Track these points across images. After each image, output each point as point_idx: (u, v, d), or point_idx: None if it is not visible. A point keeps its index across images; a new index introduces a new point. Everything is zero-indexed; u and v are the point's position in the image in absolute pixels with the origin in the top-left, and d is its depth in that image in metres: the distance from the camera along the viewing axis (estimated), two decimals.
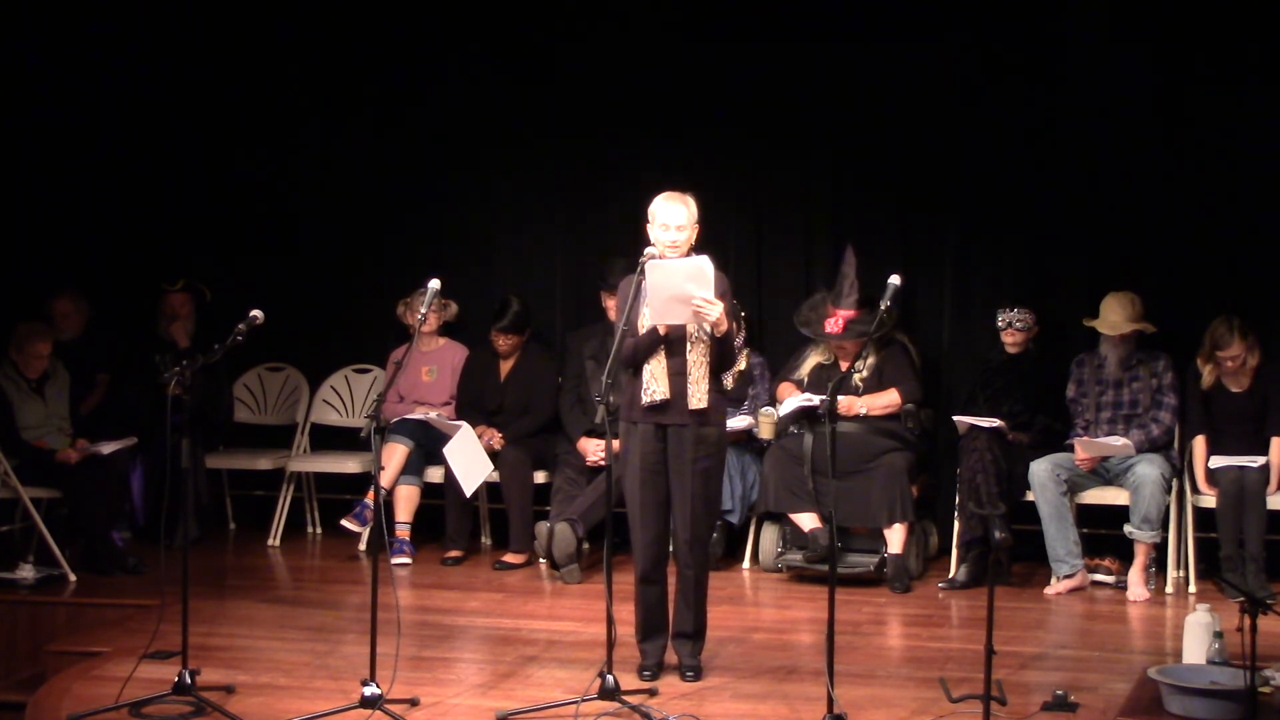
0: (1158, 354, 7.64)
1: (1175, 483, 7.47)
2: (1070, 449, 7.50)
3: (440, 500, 8.21)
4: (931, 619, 6.99)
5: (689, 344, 5.67)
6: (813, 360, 7.92)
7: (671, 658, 5.89)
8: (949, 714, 5.36)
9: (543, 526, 7.69)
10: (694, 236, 5.72)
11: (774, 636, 6.63)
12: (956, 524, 7.61)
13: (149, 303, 8.77)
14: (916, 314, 8.25)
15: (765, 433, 7.81)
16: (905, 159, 8.24)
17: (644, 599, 5.82)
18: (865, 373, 7.80)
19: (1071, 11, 7.93)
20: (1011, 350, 7.83)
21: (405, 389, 8.47)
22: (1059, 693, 5.48)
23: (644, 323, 5.67)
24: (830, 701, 5.21)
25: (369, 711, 5.33)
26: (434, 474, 8.21)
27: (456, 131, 8.81)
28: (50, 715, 5.50)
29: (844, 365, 7.79)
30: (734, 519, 7.87)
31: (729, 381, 7.46)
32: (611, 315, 7.40)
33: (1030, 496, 7.44)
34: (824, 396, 6.87)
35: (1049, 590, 7.37)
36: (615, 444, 5.73)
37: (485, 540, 8.62)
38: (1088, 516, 7.66)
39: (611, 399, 5.57)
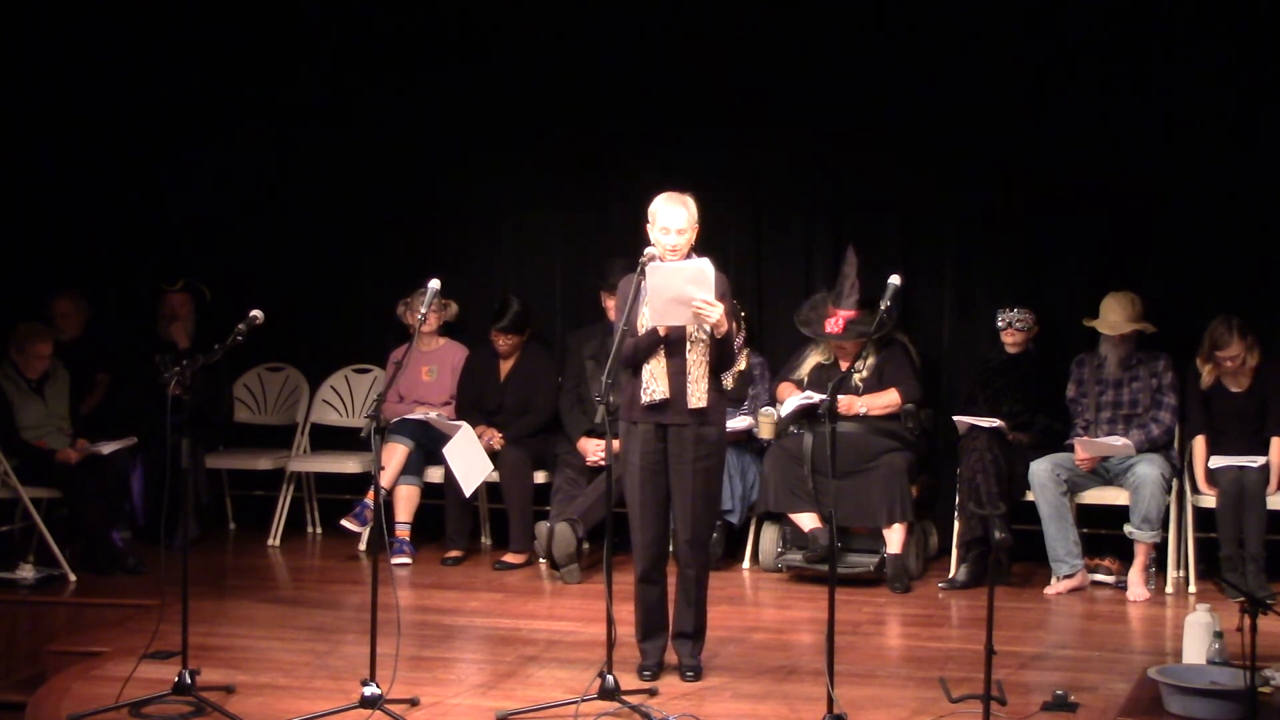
0: (1158, 354, 7.64)
1: (1175, 483, 7.47)
2: (1070, 449, 7.50)
3: (440, 500, 8.21)
4: (931, 619, 6.99)
5: (689, 344, 5.67)
6: (813, 360, 7.92)
7: (671, 658, 5.89)
8: (949, 714, 5.36)
9: (543, 526, 7.69)
10: (694, 238, 5.72)
11: (774, 636, 6.63)
12: (956, 524, 7.62)
13: (149, 303, 8.78)
14: (916, 314, 8.25)
15: (765, 433, 7.81)
16: (905, 159, 8.24)
17: (644, 599, 5.82)
18: (865, 373, 7.80)
19: (1071, 12, 7.93)
20: (1011, 350, 7.83)
21: (405, 389, 8.48)
22: (1059, 693, 5.48)
23: (644, 323, 5.68)
24: (830, 701, 5.21)
25: (369, 711, 5.33)
26: (434, 474, 8.21)
27: (456, 131, 8.81)
28: (50, 715, 5.49)
29: (844, 365, 7.79)
30: (734, 519, 7.87)
31: (729, 381, 7.47)
32: (611, 315, 7.40)
33: (1030, 496, 7.44)
34: (824, 396, 6.87)
35: (1049, 590, 7.37)
36: (615, 444, 5.73)
37: (485, 540, 8.62)
38: (1088, 516, 7.66)
39: (611, 399, 5.57)
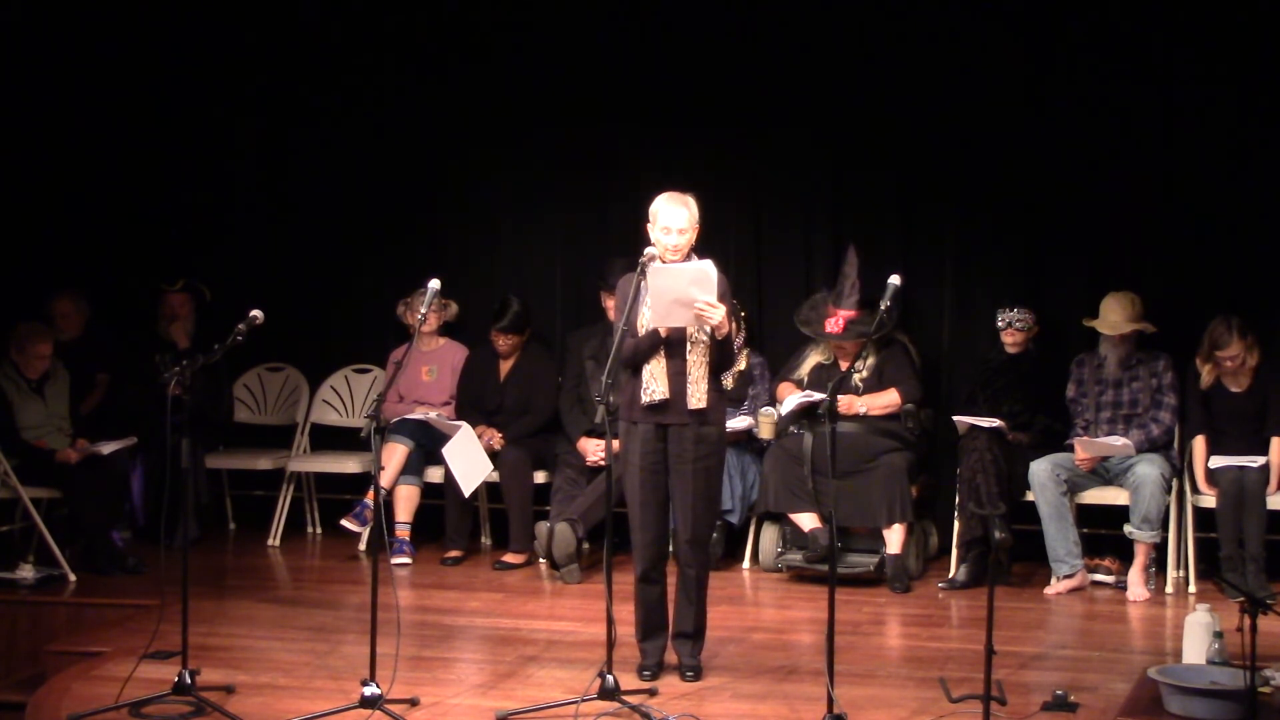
0: (1158, 354, 7.64)
1: (1175, 483, 7.47)
2: (1070, 449, 7.50)
3: (440, 500, 8.21)
4: (931, 619, 6.99)
5: (689, 345, 5.67)
6: (813, 360, 7.92)
7: (671, 658, 5.89)
8: (949, 714, 5.36)
9: (543, 526, 7.69)
10: (694, 238, 5.72)
11: (774, 636, 6.63)
12: (956, 524, 7.62)
13: (149, 303, 8.78)
14: (916, 314, 8.25)
15: (765, 433, 7.81)
16: (905, 159, 8.24)
17: (644, 599, 5.82)
18: (865, 373, 7.80)
19: (1072, 12, 7.93)
20: (1011, 350, 7.83)
21: (405, 389, 8.48)
22: (1059, 693, 5.48)
23: (644, 323, 5.68)
24: (830, 701, 5.21)
25: (369, 711, 5.33)
26: (434, 474, 8.21)
27: (456, 131, 8.81)
28: (50, 715, 5.49)
29: (844, 365, 7.79)
30: (734, 519, 7.87)
31: (729, 381, 7.47)
32: (611, 315, 7.41)
33: (1030, 496, 7.44)
34: (824, 395, 6.86)
35: (1049, 590, 7.37)
36: (615, 444, 5.73)
37: (485, 540, 8.62)
38: (1088, 516, 7.66)
39: (611, 399, 5.57)
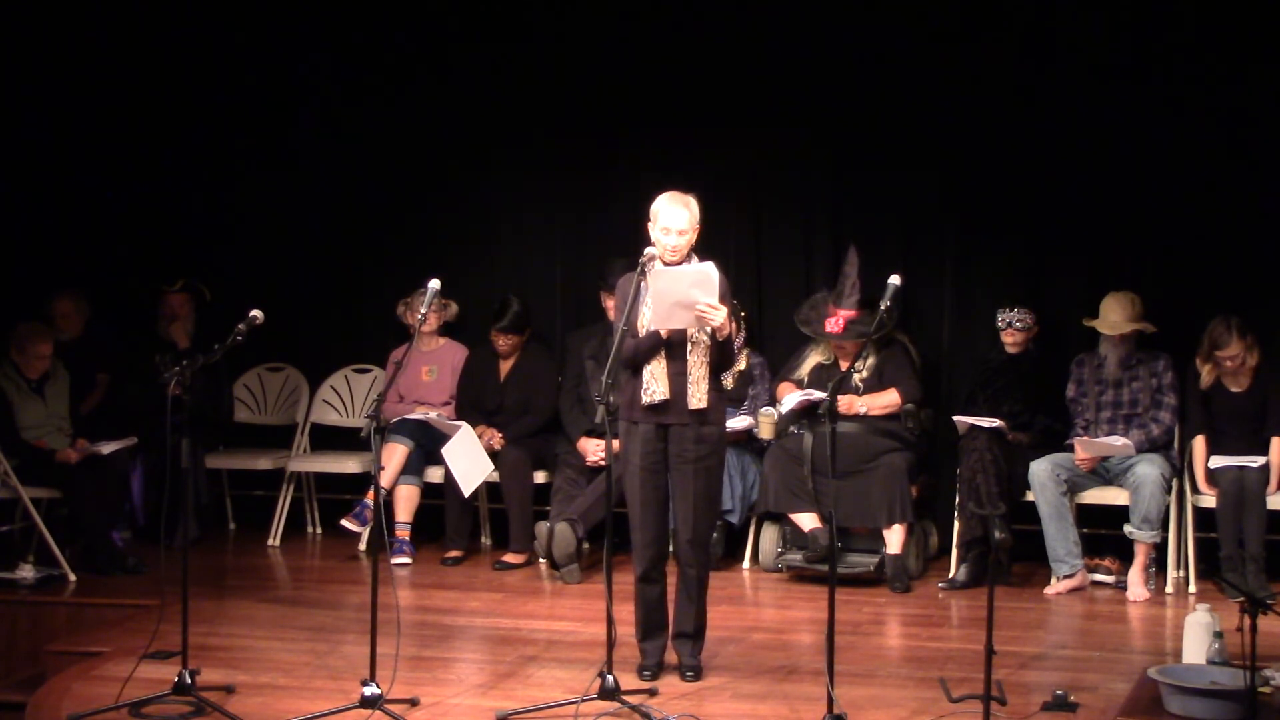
0: (1158, 354, 7.64)
1: (1175, 483, 7.47)
2: (1070, 449, 7.50)
3: (440, 500, 8.21)
4: (931, 619, 6.99)
5: (689, 346, 5.67)
6: (813, 360, 7.92)
7: (671, 658, 5.89)
8: (949, 714, 5.36)
9: (543, 526, 7.69)
10: (694, 239, 5.72)
11: (774, 636, 6.63)
12: (956, 524, 7.62)
13: (149, 303, 8.78)
14: (916, 314, 8.25)
15: (765, 433, 7.80)
16: (905, 159, 8.24)
17: (644, 598, 5.82)
18: (865, 373, 7.81)
19: (1072, 11, 7.93)
20: (1011, 350, 7.83)
21: (405, 389, 8.48)
22: (1059, 693, 5.48)
23: (645, 324, 5.68)
24: (830, 701, 5.21)
25: (369, 711, 5.33)
26: (434, 474, 8.21)
27: (456, 132, 8.81)
28: (50, 715, 5.49)
29: (844, 365, 7.79)
30: (734, 519, 7.87)
31: (729, 381, 7.48)
32: (611, 315, 7.41)
33: (1030, 496, 7.44)
34: (824, 395, 6.86)
35: (1049, 590, 7.37)
36: (615, 444, 5.73)
37: (485, 540, 8.62)
38: (1088, 516, 7.66)
39: (611, 399, 5.57)
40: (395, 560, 7.94)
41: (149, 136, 9.06)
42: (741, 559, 7.99)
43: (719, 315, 5.54)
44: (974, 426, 7.49)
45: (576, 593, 7.44)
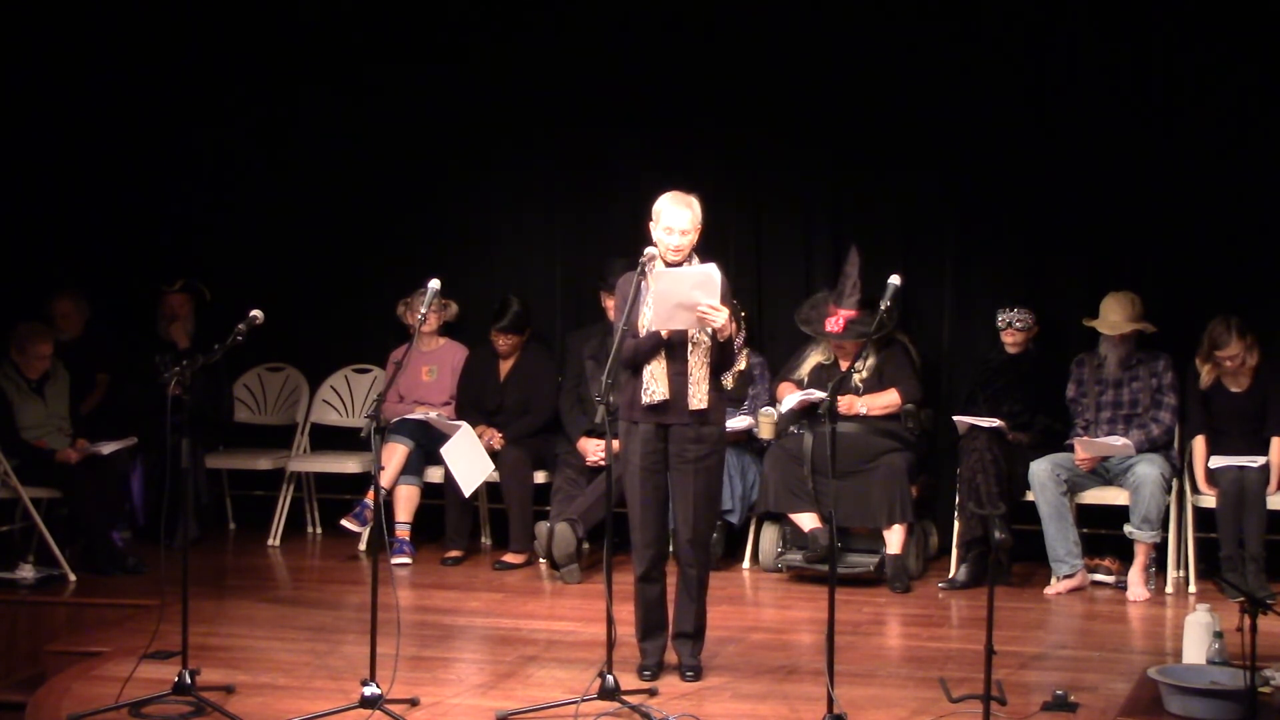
0: (1158, 354, 7.64)
1: (1175, 483, 7.47)
2: (1070, 449, 7.50)
3: (440, 500, 8.21)
4: (931, 619, 6.99)
5: (690, 346, 5.67)
6: (813, 360, 7.92)
7: (671, 658, 5.89)
8: (949, 714, 5.36)
9: (543, 526, 7.69)
10: (696, 239, 5.72)
11: (774, 636, 6.62)
12: (956, 524, 7.62)
13: (149, 303, 8.78)
14: (916, 314, 8.25)
15: (765, 433, 7.81)
16: (905, 159, 8.24)
17: (644, 598, 5.82)
18: (865, 373, 7.81)
19: (1072, 12, 7.93)
20: (1011, 350, 7.83)
21: (405, 389, 8.48)
22: (1059, 693, 5.48)
23: (645, 324, 5.67)
24: (830, 701, 5.21)
25: (369, 711, 5.33)
26: (434, 474, 8.21)
27: (456, 132, 8.81)
28: (50, 715, 5.49)
29: (844, 365, 7.79)
30: (734, 519, 7.87)
31: (729, 381, 7.47)
32: (611, 315, 7.41)
33: (1030, 496, 7.44)
34: (824, 395, 6.86)
35: (1049, 590, 7.37)
36: (615, 444, 5.73)
37: (485, 540, 8.62)
38: (1088, 516, 7.66)
39: (611, 399, 5.57)
40: (395, 560, 7.94)
41: (149, 136, 9.06)
42: (741, 559, 7.99)
43: (720, 317, 5.54)
44: (974, 426, 7.49)
45: (576, 593, 7.44)
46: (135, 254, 9.07)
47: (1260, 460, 7.29)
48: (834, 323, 7.72)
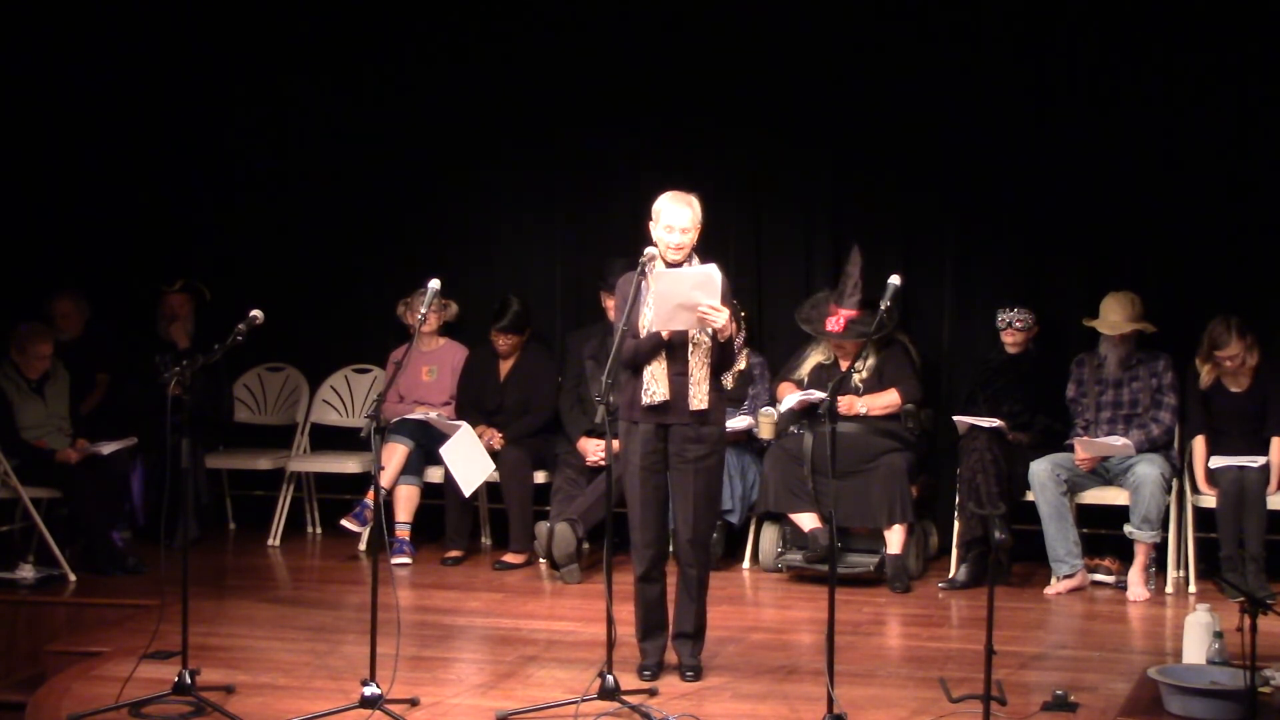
0: (1158, 354, 7.64)
1: (1175, 483, 7.47)
2: (1070, 449, 7.50)
3: (440, 500, 8.21)
4: (931, 619, 6.99)
5: (690, 347, 5.67)
6: (813, 360, 7.92)
7: (671, 658, 5.89)
8: (949, 714, 5.36)
9: (543, 526, 7.69)
10: (696, 238, 5.73)
11: (774, 636, 6.62)
12: (956, 524, 7.62)
13: (149, 303, 8.78)
14: (916, 314, 8.25)
15: (765, 433, 7.81)
16: (905, 159, 8.24)
17: (644, 598, 5.82)
18: (865, 373, 7.81)
19: (1072, 12, 7.93)
20: (1011, 350, 7.83)
21: (405, 389, 8.48)
22: (1059, 693, 5.48)
23: (645, 324, 5.68)
24: (830, 701, 5.21)
25: (369, 711, 5.33)
26: (434, 474, 8.21)
27: (456, 132, 8.82)
28: (50, 715, 5.49)
29: (844, 365, 7.79)
30: (734, 519, 7.87)
31: (728, 381, 7.48)
32: (611, 315, 7.41)
33: (1030, 496, 7.44)
34: (824, 395, 6.86)
35: (1049, 590, 7.37)
36: (615, 444, 5.73)
37: (485, 540, 8.62)
38: (1088, 516, 7.66)
39: (611, 399, 5.57)
40: (395, 560, 7.94)
41: (149, 136, 9.07)
42: (741, 559, 7.99)
43: (721, 317, 5.55)
44: (974, 426, 7.49)
45: (576, 593, 7.44)
46: (135, 254, 9.07)
47: (1260, 460, 7.29)
48: (835, 322, 7.72)
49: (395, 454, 8.08)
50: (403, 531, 8.10)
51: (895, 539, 7.51)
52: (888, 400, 7.76)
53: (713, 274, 5.55)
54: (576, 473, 7.98)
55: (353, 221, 9.01)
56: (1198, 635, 5.65)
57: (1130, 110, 7.90)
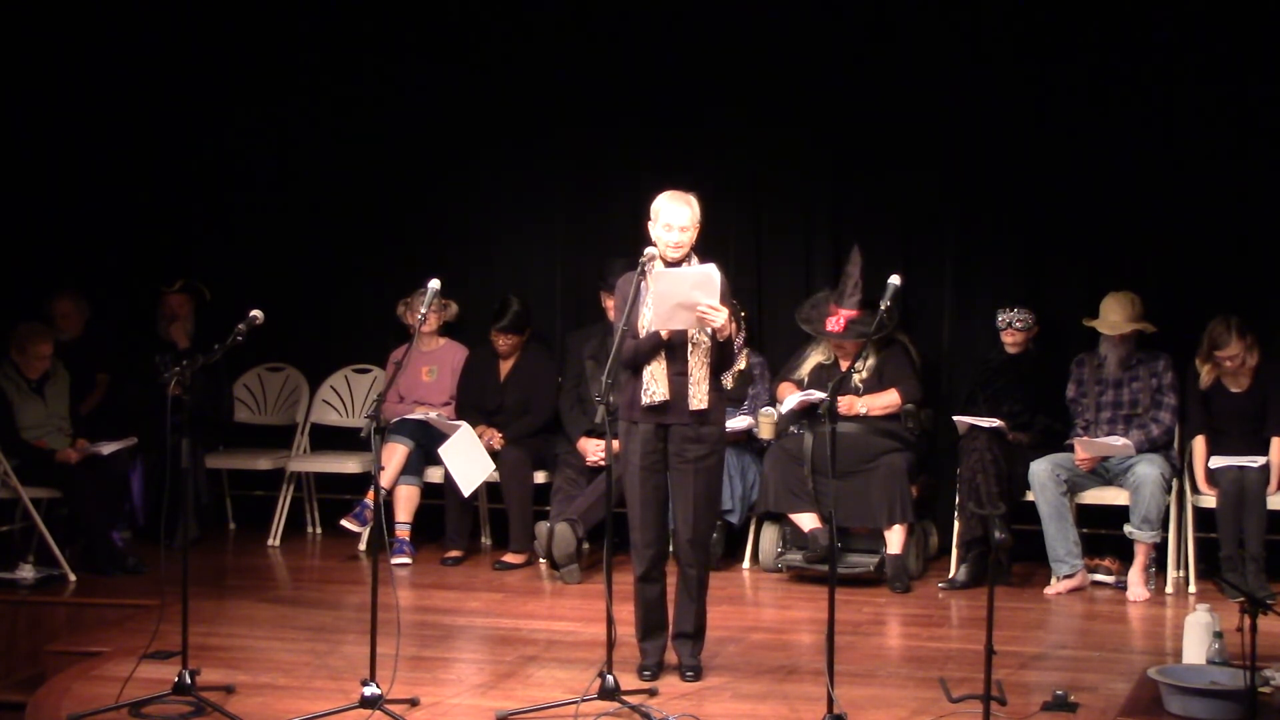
0: (1158, 354, 7.64)
1: (1175, 483, 7.47)
2: (1070, 449, 7.50)
3: (440, 500, 8.21)
4: (931, 619, 6.99)
5: (690, 346, 5.67)
6: (813, 360, 7.92)
7: (671, 658, 5.89)
8: (949, 714, 5.36)
9: (543, 526, 7.69)
10: (695, 236, 5.73)
11: (774, 636, 6.62)
12: (956, 524, 7.62)
13: (149, 303, 8.78)
14: (916, 314, 8.25)
15: (765, 433, 7.81)
16: (905, 159, 8.24)
17: (643, 598, 5.82)
18: (865, 373, 7.81)
19: (1071, 11, 7.93)
20: (1011, 350, 7.83)
21: (405, 389, 8.48)
22: (1059, 693, 5.48)
23: (645, 324, 5.68)
24: (830, 701, 5.21)
25: (369, 711, 5.33)
26: (434, 474, 8.21)
27: (456, 131, 8.82)
28: (50, 715, 5.49)
29: (844, 365, 7.79)
30: (734, 519, 7.87)
31: (728, 381, 7.47)
32: (611, 315, 7.41)
33: (1030, 496, 7.44)
34: (824, 395, 6.86)
35: (1049, 590, 7.37)
36: (615, 444, 5.73)
37: (485, 540, 8.62)
38: (1088, 516, 7.66)
39: (611, 399, 5.57)
40: (395, 560, 7.94)
41: (149, 136, 9.07)
42: (741, 559, 7.99)
43: (720, 316, 5.55)
44: (974, 426, 7.50)
45: (576, 593, 7.44)
46: (135, 254, 9.08)
47: (1260, 460, 7.29)
48: (835, 322, 7.72)
49: (395, 454, 8.08)
50: (403, 531, 8.10)
51: (895, 539, 7.51)
52: (888, 400, 7.76)
53: (712, 274, 5.56)
54: (576, 473, 7.98)
55: (353, 221, 9.01)
56: (1198, 635, 5.65)
57: (1130, 110, 7.90)
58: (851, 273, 7.77)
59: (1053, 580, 7.41)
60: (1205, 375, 7.45)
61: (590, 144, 8.63)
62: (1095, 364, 7.69)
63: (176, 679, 5.52)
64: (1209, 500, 7.35)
